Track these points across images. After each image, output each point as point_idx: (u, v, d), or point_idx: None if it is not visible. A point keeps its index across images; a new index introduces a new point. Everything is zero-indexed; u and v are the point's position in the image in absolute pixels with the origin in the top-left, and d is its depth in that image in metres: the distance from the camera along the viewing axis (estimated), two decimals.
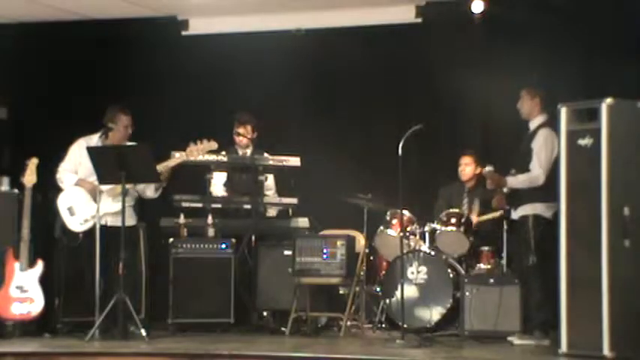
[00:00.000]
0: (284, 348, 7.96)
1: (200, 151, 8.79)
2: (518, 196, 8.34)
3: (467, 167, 9.72)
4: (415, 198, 9.45)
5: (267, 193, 9.59)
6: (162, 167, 8.63)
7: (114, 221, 8.58)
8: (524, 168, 8.29)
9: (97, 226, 8.47)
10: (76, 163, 8.78)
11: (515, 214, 8.39)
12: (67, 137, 9.11)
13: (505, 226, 8.86)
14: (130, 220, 8.68)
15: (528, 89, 8.45)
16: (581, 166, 7.42)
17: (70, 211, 8.66)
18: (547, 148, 8.18)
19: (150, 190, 8.84)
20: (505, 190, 8.44)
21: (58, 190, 8.80)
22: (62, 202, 8.71)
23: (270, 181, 9.67)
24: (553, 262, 7.62)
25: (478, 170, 9.65)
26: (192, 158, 8.81)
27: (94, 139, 8.80)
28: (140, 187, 8.78)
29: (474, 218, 9.39)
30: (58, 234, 8.79)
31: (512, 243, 8.78)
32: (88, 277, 8.47)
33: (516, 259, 8.65)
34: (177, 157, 8.76)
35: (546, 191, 8.07)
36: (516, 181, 8.32)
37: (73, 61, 10.75)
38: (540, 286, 8.18)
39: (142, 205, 9.01)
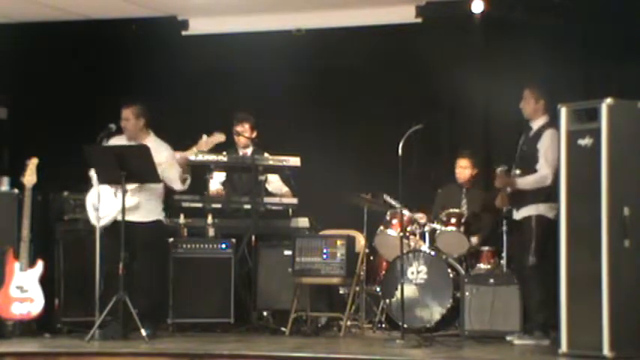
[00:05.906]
0: (284, 348, 7.94)
1: (209, 144, 8.77)
2: (521, 197, 8.31)
3: (464, 170, 9.68)
4: (415, 198, 9.45)
5: (278, 191, 9.60)
6: (179, 159, 8.64)
7: (135, 217, 8.51)
8: (529, 169, 8.28)
9: (97, 225, 8.45)
10: None
11: (518, 215, 8.37)
12: (67, 137, 9.10)
13: (505, 227, 8.84)
14: (151, 215, 8.64)
15: (532, 91, 8.40)
16: (581, 166, 7.40)
17: (94, 207, 8.55)
18: (553, 149, 8.10)
19: (175, 183, 8.72)
20: (508, 190, 8.41)
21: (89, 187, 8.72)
22: (89, 199, 8.65)
23: (277, 182, 9.67)
24: (553, 262, 7.61)
25: (475, 171, 9.67)
26: (204, 149, 8.80)
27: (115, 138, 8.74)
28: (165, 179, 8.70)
29: (475, 241, 9.33)
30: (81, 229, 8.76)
31: (512, 243, 8.77)
32: (107, 273, 8.42)
33: (516, 259, 8.64)
34: (191, 151, 8.74)
35: (549, 192, 8.05)
36: (525, 181, 8.26)
37: (72, 61, 10.76)
38: (540, 286, 8.17)
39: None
